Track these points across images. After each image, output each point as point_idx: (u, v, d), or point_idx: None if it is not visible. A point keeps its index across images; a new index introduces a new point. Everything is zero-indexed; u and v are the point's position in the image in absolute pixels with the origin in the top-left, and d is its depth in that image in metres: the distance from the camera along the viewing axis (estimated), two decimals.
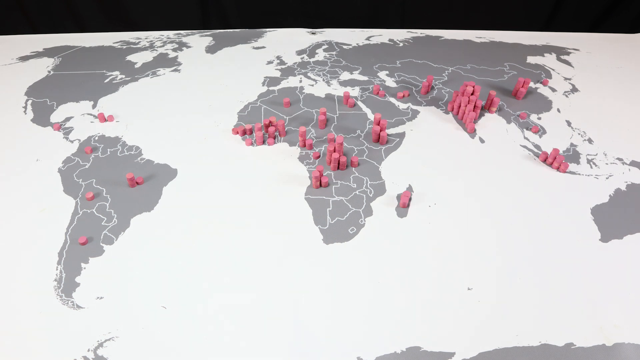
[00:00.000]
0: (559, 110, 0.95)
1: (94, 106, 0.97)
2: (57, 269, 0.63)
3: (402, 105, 0.96)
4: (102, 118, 0.91)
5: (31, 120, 0.92)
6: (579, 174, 0.78)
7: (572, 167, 0.80)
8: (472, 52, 1.18)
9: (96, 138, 0.87)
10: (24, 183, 0.77)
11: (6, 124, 0.91)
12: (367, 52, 1.18)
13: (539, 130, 0.89)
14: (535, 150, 0.84)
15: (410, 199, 0.73)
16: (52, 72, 1.09)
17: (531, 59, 1.14)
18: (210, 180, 0.77)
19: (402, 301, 0.59)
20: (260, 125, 0.86)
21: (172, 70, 1.09)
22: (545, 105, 0.97)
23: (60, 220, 0.70)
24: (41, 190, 0.75)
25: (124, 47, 1.21)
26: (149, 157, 0.83)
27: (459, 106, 0.92)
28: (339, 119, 0.92)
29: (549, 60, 1.14)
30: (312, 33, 1.29)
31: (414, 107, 0.95)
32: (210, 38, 1.27)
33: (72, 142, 0.86)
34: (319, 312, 0.58)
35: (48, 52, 1.18)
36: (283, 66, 1.11)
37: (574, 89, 1.02)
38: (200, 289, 0.61)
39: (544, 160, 0.81)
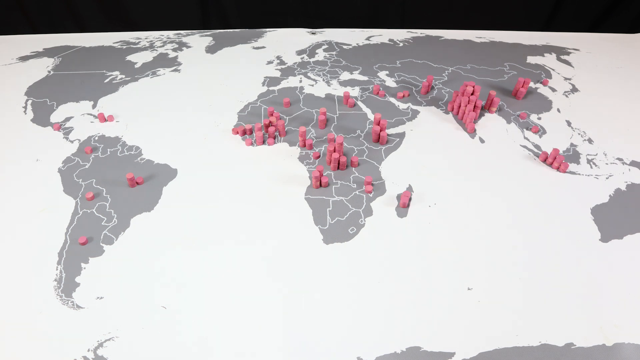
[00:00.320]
0: (559, 110, 0.95)
1: (94, 106, 0.97)
2: (57, 269, 0.63)
3: (402, 105, 0.96)
4: (102, 118, 0.91)
5: (31, 120, 0.92)
6: (579, 174, 0.78)
7: (572, 167, 0.80)
8: (472, 52, 1.18)
9: (96, 138, 0.87)
10: (24, 183, 0.77)
11: (6, 124, 0.91)
12: (367, 52, 1.18)
13: (539, 130, 0.89)
14: (535, 150, 0.84)
15: (410, 199, 0.73)
16: (52, 72, 1.09)
17: (531, 59, 1.14)
18: (210, 180, 0.77)
19: (402, 301, 0.59)
20: (260, 125, 0.86)
21: (172, 70, 1.09)
22: (545, 105, 0.97)
23: (60, 220, 0.70)
24: (41, 190, 0.75)
25: (124, 47, 1.21)
26: (149, 157, 0.83)
27: (459, 106, 0.92)
28: (339, 119, 0.92)
29: (549, 60, 1.14)
30: (312, 33, 1.29)
31: (414, 107, 0.95)
32: (210, 38, 1.27)
33: (72, 142, 0.86)
34: (319, 312, 0.58)
35: (48, 52, 1.18)
36: (283, 66, 1.11)
37: (574, 89, 1.02)
38: (200, 289, 0.61)
39: (544, 160, 0.81)
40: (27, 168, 0.80)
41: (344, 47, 1.21)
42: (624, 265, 0.63)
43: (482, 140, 0.86)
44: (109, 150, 0.84)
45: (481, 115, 0.93)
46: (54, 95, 1.00)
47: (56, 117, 0.93)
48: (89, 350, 0.54)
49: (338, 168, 0.79)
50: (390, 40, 1.25)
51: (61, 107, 0.96)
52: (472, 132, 0.88)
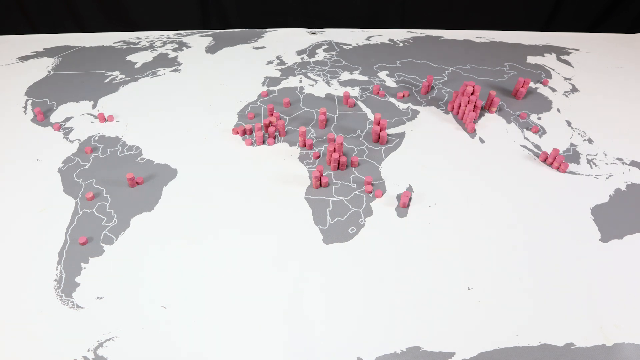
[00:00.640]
0: (559, 110, 0.95)
1: (94, 106, 0.97)
2: (57, 269, 0.63)
3: (402, 105, 0.96)
4: (102, 118, 0.91)
5: (31, 120, 0.92)
6: (579, 174, 0.78)
7: (572, 167, 0.80)
8: (472, 52, 1.18)
9: (96, 138, 0.87)
10: (24, 183, 0.77)
11: (6, 124, 0.91)
12: (367, 52, 1.18)
13: (539, 130, 0.89)
14: (535, 150, 0.84)
15: (410, 199, 0.73)
16: (52, 72, 1.09)
17: (531, 59, 1.14)
18: (210, 180, 0.77)
19: (402, 301, 0.59)
20: (260, 125, 0.86)
21: (172, 70, 1.09)
22: (545, 105, 0.97)
23: (60, 220, 0.70)
24: (41, 190, 0.75)
25: (124, 47, 1.21)
26: (149, 157, 0.83)
27: (459, 106, 0.92)
28: (339, 119, 0.92)
29: (549, 60, 1.14)
30: (312, 33, 1.29)
31: (414, 107, 0.95)
32: (210, 38, 1.27)
33: (72, 142, 0.86)
34: (319, 312, 0.58)
35: (48, 52, 1.18)
36: (283, 66, 1.11)
37: (574, 89, 1.02)
38: (200, 289, 0.61)
39: (544, 160, 0.81)
40: (27, 168, 0.80)
41: (344, 47, 1.21)
42: (624, 265, 0.63)
43: (482, 140, 0.86)
44: (109, 150, 0.84)
45: (481, 115, 0.93)
46: (54, 95, 1.00)
47: (56, 117, 0.93)
48: (89, 350, 0.54)
49: (338, 168, 0.79)
50: (390, 40, 1.25)
51: (61, 107, 0.96)
52: (472, 132, 0.88)
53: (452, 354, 0.54)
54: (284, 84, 1.04)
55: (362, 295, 0.60)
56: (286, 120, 0.91)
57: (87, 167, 0.80)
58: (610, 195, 0.74)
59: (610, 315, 0.57)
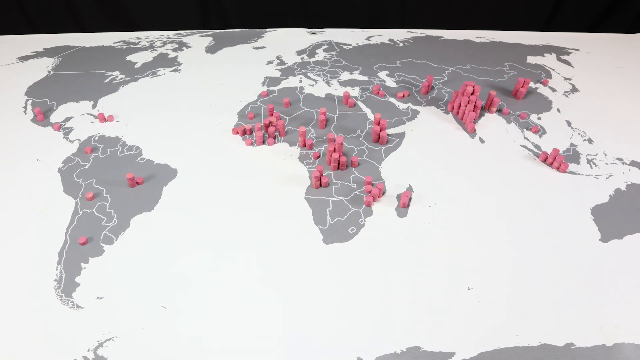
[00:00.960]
0: (559, 110, 0.95)
1: (94, 106, 0.97)
2: (57, 269, 0.63)
3: (402, 105, 0.96)
4: (102, 118, 0.91)
5: (31, 120, 0.92)
6: (579, 174, 0.78)
7: (572, 167, 0.80)
8: (472, 52, 1.18)
9: (96, 138, 0.87)
10: (24, 183, 0.77)
11: (6, 124, 0.91)
12: (367, 52, 1.18)
13: (539, 130, 0.89)
14: (535, 150, 0.84)
15: (410, 199, 0.73)
16: (52, 72, 1.09)
17: (531, 59, 1.14)
18: (210, 180, 0.77)
19: (402, 301, 0.59)
20: (260, 125, 0.86)
21: (172, 70, 1.09)
22: (545, 105, 0.97)
23: (60, 220, 0.70)
24: (41, 190, 0.75)
25: (124, 47, 1.21)
26: (149, 157, 0.83)
27: (459, 106, 0.92)
28: (339, 119, 0.92)
29: (549, 60, 1.14)
30: (312, 33, 1.29)
31: (414, 107, 0.95)
32: (210, 38, 1.27)
33: (72, 142, 0.86)
34: (318, 312, 0.58)
35: (48, 52, 1.18)
36: (283, 66, 1.11)
37: (574, 89, 1.02)
38: (199, 289, 0.61)
39: (544, 160, 0.81)
40: (27, 168, 0.80)
41: (344, 47, 1.21)
42: (624, 265, 0.63)
43: (482, 140, 0.86)
44: (109, 150, 0.84)
45: (481, 115, 0.93)
46: (54, 95, 1.00)
47: (56, 117, 0.93)
48: (89, 350, 0.54)
49: (338, 168, 0.79)
50: (390, 40, 1.25)
51: (61, 107, 0.96)
52: (472, 132, 0.88)
53: (452, 354, 0.54)
54: (284, 84, 1.04)
55: (362, 295, 0.60)
56: (286, 120, 0.91)
57: (87, 167, 0.80)
58: (610, 195, 0.74)
59: (610, 315, 0.57)
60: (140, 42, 1.24)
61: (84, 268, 0.63)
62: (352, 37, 1.26)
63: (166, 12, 1.44)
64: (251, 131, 0.88)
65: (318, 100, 0.98)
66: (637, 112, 0.94)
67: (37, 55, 1.17)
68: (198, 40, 1.25)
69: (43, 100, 0.98)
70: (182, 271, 0.63)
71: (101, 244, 0.66)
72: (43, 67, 1.11)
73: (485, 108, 0.95)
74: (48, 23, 1.44)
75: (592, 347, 0.54)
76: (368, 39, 1.26)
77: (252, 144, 0.85)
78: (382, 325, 0.57)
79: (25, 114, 0.94)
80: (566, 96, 1.00)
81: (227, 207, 0.72)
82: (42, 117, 0.92)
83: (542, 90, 1.02)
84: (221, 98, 0.99)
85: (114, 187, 0.76)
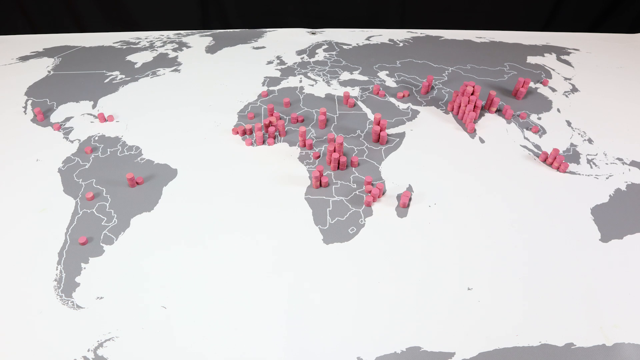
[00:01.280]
0: (559, 110, 0.95)
1: (94, 106, 0.97)
2: (57, 269, 0.63)
3: (402, 105, 0.96)
4: (102, 118, 0.91)
5: (31, 120, 0.92)
6: (579, 174, 0.78)
7: (572, 167, 0.80)
8: (472, 52, 1.18)
9: (96, 138, 0.87)
10: (24, 183, 0.77)
11: (6, 124, 0.91)
12: (367, 52, 1.18)
13: (539, 130, 0.89)
14: (535, 150, 0.84)
15: (410, 199, 0.73)
16: (52, 72, 1.09)
17: (531, 59, 1.14)
18: (210, 180, 0.77)
19: (402, 301, 0.59)
20: (260, 125, 0.86)
21: (172, 70, 1.09)
22: (545, 105, 0.97)
23: (60, 220, 0.70)
24: (41, 190, 0.75)
25: (124, 47, 1.21)
26: (149, 157, 0.83)
27: (459, 106, 0.92)
28: (339, 119, 0.92)
29: (549, 60, 1.14)
30: (312, 33, 1.29)
31: (414, 107, 0.95)
32: (210, 38, 1.27)
33: (72, 142, 0.86)
34: (318, 312, 0.58)
35: (48, 52, 1.18)
36: (283, 66, 1.11)
37: (574, 89, 1.02)
38: (200, 289, 0.61)
39: (544, 160, 0.81)
40: (27, 168, 0.80)
41: (344, 47, 1.21)
42: (624, 265, 0.63)
43: (482, 140, 0.86)
44: (109, 150, 0.84)
45: (481, 115, 0.93)
46: (54, 95, 1.00)
47: (56, 117, 0.93)
48: (89, 350, 0.54)
49: (338, 168, 0.79)
50: (390, 40, 1.25)
51: (61, 107, 0.96)
52: (472, 132, 0.88)
53: (452, 354, 0.54)
54: (284, 84, 1.04)
55: (362, 295, 0.60)
56: (286, 120, 0.91)
57: (87, 167, 0.80)
58: (610, 195, 0.74)
59: (610, 315, 0.57)
60: (140, 42, 1.24)
61: (84, 268, 0.63)
62: (352, 37, 1.26)
63: (166, 12, 1.44)
64: (251, 131, 0.88)
65: (318, 100, 0.98)
66: (637, 112, 0.94)
67: (37, 55, 1.17)
68: (198, 40, 1.25)
69: (43, 100, 0.98)
70: (182, 271, 0.63)
71: (101, 244, 0.66)
72: (43, 67, 1.11)
73: (485, 108, 0.95)
74: (48, 23, 1.44)
75: (592, 347, 0.54)
76: (368, 39, 1.26)
77: (252, 144, 0.85)
78: (382, 325, 0.57)
79: (25, 114, 0.94)
80: (566, 96, 1.00)
81: (227, 207, 0.72)
82: (42, 117, 0.92)
83: (542, 90, 1.02)
84: (221, 98, 0.99)
85: (114, 187, 0.76)
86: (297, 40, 1.24)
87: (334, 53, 1.17)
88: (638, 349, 0.54)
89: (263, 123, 0.87)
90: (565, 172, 0.78)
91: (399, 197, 0.74)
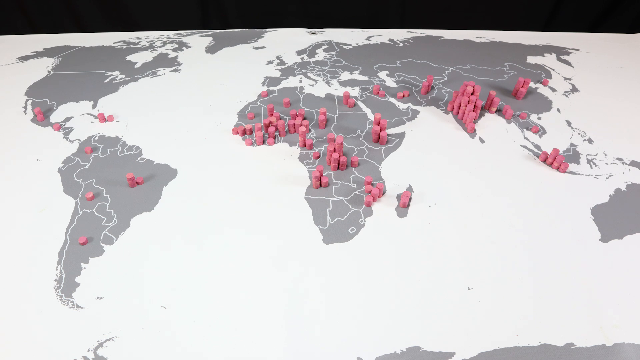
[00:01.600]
0: (559, 110, 0.95)
1: (94, 106, 0.97)
2: (57, 269, 0.63)
3: (402, 105, 0.96)
4: (102, 118, 0.91)
5: (31, 120, 0.92)
6: (579, 174, 0.78)
7: (572, 167, 0.80)
8: (472, 52, 1.18)
9: (96, 138, 0.87)
10: (24, 183, 0.77)
11: (6, 124, 0.91)
12: (367, 52, 1.18)
13: (539, 130, 0.89)
14: (535, 150, 0.84)
15: (410, 199, 0.73)
16: (52, 72, 1.09)
17: (531, 59, 1.14)
18: (210, 180, 0.77)
19: (402, 301, 0.59)
20: (260, 125, 0.86)
21: (172, 70, 1.09)
22: (545, 105, 0.97)
23: (60, 220, 0.70)
24: (41, 190, 0.75)
25: (124, 47, 1.21)
26: (149, 157, 0.83)
27: (459, 106, 0.92)
28: (339, 119, 0.92)
29: (549, 60, 1.14)
30: (312, 33, 1.29)
31: (414, 107, 0.95)
32: (210, 38, 1.27)
33: (72, 142, 0.86)
34: (319, 312, 0.58)
35: (48, 52, 1.18)
36: (283, 66, 1.11)
37: (574, 89, 1.02)
38: (200, 289, 0.61)
39: (544, 160, 0.81)
40: (27, 168, 0.80)
41: (344, 47, 1.21)
42: (624, 265, 0.63)
43: (482, 140, 0.86)
44: (109, 150, 0.84)
45: (481, 115, 0.93)
46: (54, 95, 1.00)
47: (56, 117, 0.93)
48: (89, 350, 0.54)
49: (338, 168, 0.79)
50: (390, 40, 1.25)
51: (61, 107, 0.96)
52: (472, 132, 0.88)
53: (452, 354, 0.54)
54: (284, 84, 1.04)
55: (362, 295, 0.60)
56: (286, 120, 0.91)
57: (87, 167, 0.80)
58: (610, 195, 0.74)
59: (610, 315, 0.57)
60: (140, 42, 1.24)
61: (84, 268, 0.63)
62: (352, 37, 1.26)
63: (166, 12, 1.44)
64: (251, 131, 0.88)
65: (318, 100, 0.98)
66: (637, 112, 0.94)
67: (37, 55, 1.17)
68: (198, 40, 1.25)
69: (43, 100, 0.98)
70: (182, 271, 0.63)
71: (101, 244, 0.66)
72: (43, 67, 1.11)
73: (485, 108, 0.95)
74: (48, 23, 1.44)
75: (592, 347, 0.54)
76: (368, 39, 1.26)
77: (252, 144, 0.85)
78: (382, 325, 0.57)
79: (25, 114, 0.94)
80: (566, 96, 1.00)
81: (227, 207, 0.72)
82: (42, 117, 0.92)
83: (542, 90, 1.02)
84: (221, 98, 0.99)
85: (114, 187, 0.76)
86: (297, 40, 1.24)
87: (334, 53, 1.17)
88: (638, 349, 0.54)
89: (263, 123, 0.87)
90: (565, 172, 0.78)
91: (399, 197, 0.74)
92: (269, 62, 1.13)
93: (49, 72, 1.09)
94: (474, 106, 0.89)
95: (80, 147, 0.85)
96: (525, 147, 0.85)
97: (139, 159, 0.82)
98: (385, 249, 0.66)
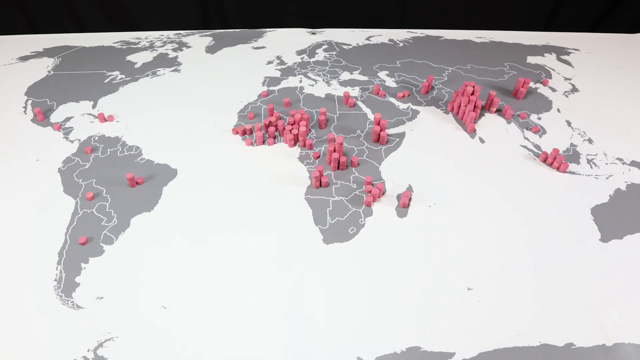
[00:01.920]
0: (559, 110, 0.95)
1: (94, 106, 0.97)
2: (57, 269, 0.63)
3: (402, 105, 0.96)
4: (102, 118, 0.91)
5: (31, 120, 0.92)
6: (579, 174, 0.78)
7: (572, 167, 0.80)
8: (472, 52, 1.18)
9: (96, 138, 0.87)
10: (24, 183, 0.77)
11: (6, 124, 0.91)
12: (367, 52, 1.18)
13: (539, 130, 0.89)
14: (535, 150, 0.84)
15: (410, 199, 0.73)
16: (52, 72, 1.09)
17: (531, 59, 1.14)
18: (210, 180, 0.77)
19: (402, 301, 0.59)
20: (260, 125, 0.86)
21: (172, 70, 1.09)
22: (545, 105, 0.97)
23: (60, 220, 0.70)
24: (41, 190, 0.75)
25: (124, 47, 1.21)
26: (149, 157, 0.83)
27: (459, 106, 0.92)
28: (339, 119, 0.92)
29: (549, 60, 1.14)
30: (312, 33, 1.29)
31: (414, 107, 0.95)
32: (210, 38, 1.27)
33: (72, 142, 0.86)
34: (319, 312, 0.58)
35: (48, 52, 1.18)
36: (283, 66, 1.11)
37: (574, 89, 1.02)
38: (200, 289, 0.61)
39: (544, 160, 0.81)
40: (27, 168, 0.80)
41: (344, 47, 1.21)
42: (624, 265, 0.63)
43: (482, 140, 0.86)
44: (109, 150, 0.84)
45: (481, 115, 0.93)
46: (54, 95, 1.00)
47: (56, 117, 0.93)
48: (89, 350, 0.54)
49: (338, 168, 0.79)
50: (390, 40, 1.25)
51: (61, 107, 0.96)
52: (472, 132, 0.88)
53: (452, 354, 0.54)
54: (284, 84, 1.04)
55: (362, 295, 0.60)
56: (286, 120, 0.91)
57: (87, 167, 0.80)
58: (610, 195, 0.74)
59: (610, 315, 0.57)
60: (140, 42, 1.24)
61: (84, 268, 0.63)
62: (352, 37, 1.26)
63: (166, 12, 1.44)
64: (251, 131, 0.88)
65: (318, 100, 0.98)
66: (637, 112, 0.94)
67: (37, 55, 1.17)
68: (198, 40, 1.25)
69: (43, 100, 0.98)
70: (182, 271, 0.63)
71: (101, 244, 0.66)
72: (43, 67, 1.11)
73: (485, 108, 0.95)
74: (48, 23, 1.44)
75: (592, 347, 0.54)
76: (368, 39, 1.26)
77: (252, 144, 0.85)
78: (382, 325, 0.57)
79: (25, 114, 0.94)
80: (566, 96, 1.00)
81: (227, 207, 0.72)
82: (42, 117, 0.92)
83: (542, 90, 1.02)
84: (221, 98, 0.99)
85: (114, 187, 0.76)
86: (297, 40, 1.24)
87: (334, 53, 1.17)
88: (638, 349, 0.54)
89: (263, 123, 0.87)
90: (565, 172, 0.78)
91: (399, 197, 0.74)
92: (269, 62, 1.13)
93: (49, 72, 1.09)
94: (474, 106, 0.89)
95: (80, 147, 0.85)
96: (525, 147, 0.85)
97: (139, 159, 0.82)
98: (385, 249, 0.66)
